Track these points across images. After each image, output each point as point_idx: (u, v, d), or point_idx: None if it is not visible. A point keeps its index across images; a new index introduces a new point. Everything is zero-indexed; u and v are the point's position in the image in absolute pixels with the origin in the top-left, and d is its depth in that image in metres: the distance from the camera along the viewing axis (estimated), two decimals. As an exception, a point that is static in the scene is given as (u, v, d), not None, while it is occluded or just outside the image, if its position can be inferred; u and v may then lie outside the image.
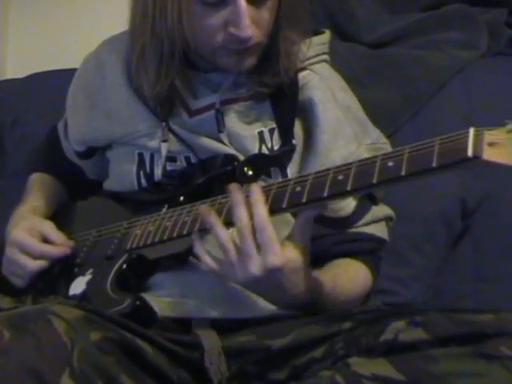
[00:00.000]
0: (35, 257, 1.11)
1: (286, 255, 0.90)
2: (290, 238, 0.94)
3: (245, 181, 1.04)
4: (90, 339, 0.84)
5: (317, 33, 1.20)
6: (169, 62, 1.07)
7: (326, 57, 1.20)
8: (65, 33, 1.91)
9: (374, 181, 0.83)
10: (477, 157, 0.76)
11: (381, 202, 1.17)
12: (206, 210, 0.94)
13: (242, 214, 0.90)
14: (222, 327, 1.01)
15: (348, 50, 1.55)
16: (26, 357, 0.79)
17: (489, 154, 0.75)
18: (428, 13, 1.62)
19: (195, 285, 1.04)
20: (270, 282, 0.91)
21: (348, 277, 1.08)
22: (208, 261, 0.93)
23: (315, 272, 0.99)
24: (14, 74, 1.85)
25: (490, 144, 0.76)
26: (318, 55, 1.18)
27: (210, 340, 0.98)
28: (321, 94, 1.13)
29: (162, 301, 1.03)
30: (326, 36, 1.21)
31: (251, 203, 0.90)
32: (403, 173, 0.81)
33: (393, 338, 0.84)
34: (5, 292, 1.14)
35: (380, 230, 1.15)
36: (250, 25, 1.01)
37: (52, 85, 1.68)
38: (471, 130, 0.78)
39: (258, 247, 0.89)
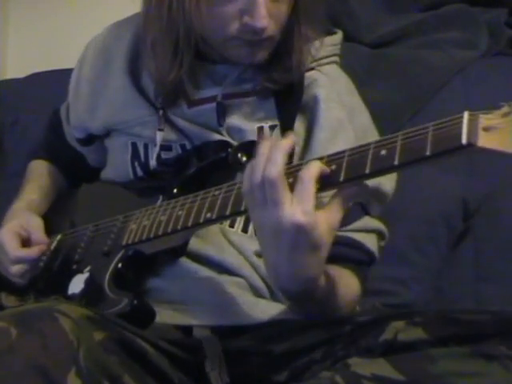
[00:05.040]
0: (13, 262, 1.13)
1: (317, 215, 0.82)
2: (327, 207, 0.85)
3: (238, 167, 1.02)
4: (94, 338, 0.84)
5: (329, 33, 1.19)
6: (184, 49, 1.06)
7: (336, 58, 1.18)
8: (65, 33, 1.91)
9: (367, 171, 0.80)
10: (471, 144, 0.72)
11: (377, 218, 1.12)
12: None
13: (278, 159, 0.83)
14: (223, 332, 1.00)
15: (348, 49, 1.55)
16: (33, 354, 0.78)
17: (484, 141, 0.72)
18: (428, 13, 1.62)
19: (195, 291, 1.03)
20: (290, 238, 0.83)
21: (341, 282, 1.02)
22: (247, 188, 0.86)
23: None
24: (14, 74, 1.86)
25: (486, 129, 0.72)
26: (328, 56, 1.16)
27: (211, 345, 0.97)
28: (326, 92, 1.12)
29: (161, 307, 1.02)
30: (338, 37, 1.20)
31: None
32: (396, 162, 0.78)
33: (392, 338, 0.84)
34: (8, 290, 1.15)
35: (370, 242, 1.09)
36: (266, 16, 1.00)
37: (52, 85, 1.68)
38: (465, 115, 0.75)
39: (291, 198, 0.82)
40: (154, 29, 1.08)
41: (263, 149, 0.86)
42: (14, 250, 1.13)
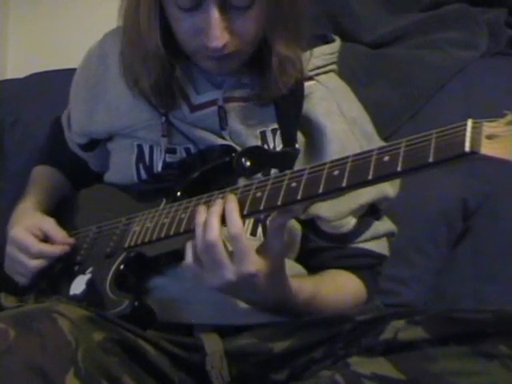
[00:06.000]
0: (34, 256, 1.11)
1: (260, 262, 0.90)
2: (264, 244, 0.93)
3: (242, 172, 1.03)
4: (93, 339, 0.84)
5: (326, 40, 1.19)
6: (148, 60, 1.07)
7: (334, 67, 1.18)
8: (65, 33, 1.91)
9: (370, 177, 0.80)
10: (474, 152, 0.73)
11: (384, 215, 1.16)
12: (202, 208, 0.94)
13: (214, 224, 0.90)
14: (224, 330, 1.00)
15: (348, 50, 1.55)
16: (31, 355, 0.79)
17: (487, 149, 0.72)
18: (428, 13, 1.62)
19: (197, 290, 1.03)
20: (245, 286, 0.91)
21: (334, 286, 1.07)
22: (191, 259, 0.93)
23: (295, 278, 0.98)
24: (14, 74, 1.85)
25: (489, 137, 0.73)
26: (325, 65, 1.16)
27: (212, 343, 0.97)
28: (326, 105, 1.12)
29: (163, 304, 1.02)
30: (336, 45, 1.19)
31: (226, 212, 0.90)
32: (399, 168, 0.78)
33: (392, 337, 0.84)
34: (8, 291, 1.14)
35: (380, 246, 1.14)
36: (222, 35, 0.99)
37: (52, 85, 1.68)
38: (469, 123, 0.75)
39: (232, 255, 0.89)
40: (124, 39, 1.11)
41: (199, 218, 0.92)
42: (38, 244, 1.11)
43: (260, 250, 0.91)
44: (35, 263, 1.11)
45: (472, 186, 1.44)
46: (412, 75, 1.53)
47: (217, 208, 0.91)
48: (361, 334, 0.89)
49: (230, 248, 0.90)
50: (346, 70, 1.27)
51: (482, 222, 1.44)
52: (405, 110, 1.51)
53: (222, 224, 0.90)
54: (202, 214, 0.92)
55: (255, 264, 0.89)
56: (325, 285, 1.05)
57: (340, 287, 1.08)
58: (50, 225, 1.15)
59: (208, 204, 0.95)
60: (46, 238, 1.13)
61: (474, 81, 1.52)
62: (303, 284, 1.00)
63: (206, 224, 0.90)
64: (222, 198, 0.93)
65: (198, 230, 0.91)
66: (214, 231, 0.89)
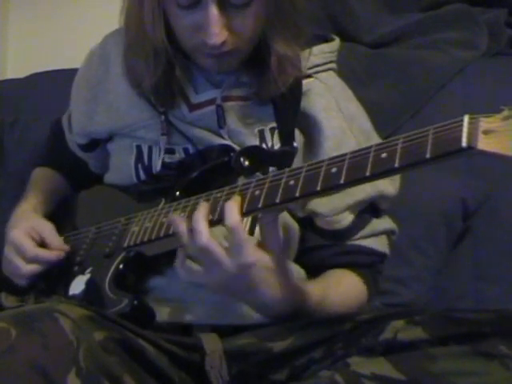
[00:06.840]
0: (28, 260, 1.11)
1: (258, 253, 0.89)
2: (262, 240, 0.92)
3: (241, 172, 1.04)
4: (94, 339, 0.84)
5: (326, 39, 1.19)
6: (154, 58, 1.07)
7: (333, 65, 1.18)
8: (65, 33, 1.91)
9: (368, 173, 0.80)
10: (471, 147, 0.73)
11: (384, 214, 1.16)
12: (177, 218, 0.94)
13: (201, 227, 0.89)
14: (223, 330, 1.00)
15: (348, 50, 1.55)
16: (33, 354, 0.79)
17: (484, 144, 0.72)
18: (428, 13, 1.62)
19: (196, 290, 1.03)
20: (243, 281, 0.90)
21: (339, 291, 1.06)
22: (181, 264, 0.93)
23: (304, 283, 0.98)
24: (14, 74, 1.86)
25: (486, 132, 0.73)
26: (325, 63, 1.16)
27: (211, 343, 0.97)
28: (324, 102, 1.13)
29: (162, 304, 1.02)
30: (335, 44, 1.19)
31: (225, 209, 0.89)
32: (397, 165, 0.78)
33: (392, 337, 0.84)
34: (9, 291, 1.14)
35: (379, 244, 1.14)
36: (221, 32, 0.99)
37: (52, 85, 1.68)
38: (466, 118, 0.75)
39: (228, 250, 0.88)
40: (127, 38, 1.11)
41: (178, 227, 0.92)
42: (34, 248, 1.12)
43: (258, 245, 0.91)
44: (30, 268, 1.11)
45: (472, 186, 1.44)
46: (412, 75, 1.53)
47: (200, 213, 0.91)
48: (361, 334, 0.89)
49: (226, 244, 0.89)
50: (346, 70, 1.27)
51: (482, 221, 1.44)
52: (404, 110, 1.51)
53: (210, 225, 0.90)
54: (178, 223, 0.92)
55: (253, 255, 0.88)
56: (332, 290, 1.04)
57: (345, 292, 1.08)
58: (48, 230, 1.15)
59: (182, 209, 0.97)
60: (42, 243, 1.14)
61: (473, 81, 1.52)
62: (311, 289, 0.98)
63: (192, 231, 0.90)
64: (207, 200, 0.94)
65: (184, 238, 0.90)
66: (204, 235, 0.88)
